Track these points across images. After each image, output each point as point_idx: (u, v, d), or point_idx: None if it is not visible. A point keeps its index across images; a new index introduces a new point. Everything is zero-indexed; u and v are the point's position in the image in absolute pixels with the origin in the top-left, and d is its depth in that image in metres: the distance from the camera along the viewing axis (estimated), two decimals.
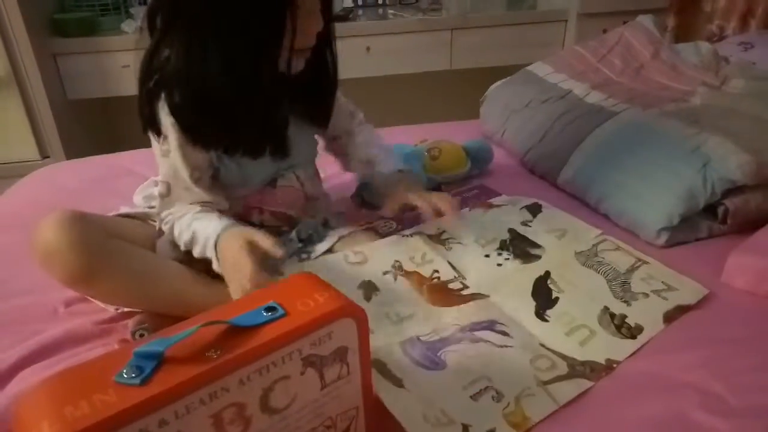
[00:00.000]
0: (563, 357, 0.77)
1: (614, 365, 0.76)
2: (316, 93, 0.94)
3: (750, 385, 0.73)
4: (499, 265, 0.94)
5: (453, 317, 0.83)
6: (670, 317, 0.83)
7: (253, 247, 0.75)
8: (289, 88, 0.87)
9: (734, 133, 1.07)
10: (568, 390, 0.72)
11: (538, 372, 0.74)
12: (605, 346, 0.79)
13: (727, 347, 0.79)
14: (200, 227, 0.82)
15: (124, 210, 0.96)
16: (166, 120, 0.82)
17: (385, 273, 0.90)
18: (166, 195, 0.86)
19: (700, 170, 1.02)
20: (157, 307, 0.84)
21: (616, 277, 0.91)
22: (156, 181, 0.97)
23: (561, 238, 1.00)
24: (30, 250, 0.76)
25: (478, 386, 0.71)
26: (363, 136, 1.07)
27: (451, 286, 0.89)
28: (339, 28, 2.39)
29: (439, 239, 0.99)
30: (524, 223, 1.04)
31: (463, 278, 0.91)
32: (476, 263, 0.94)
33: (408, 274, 0.90)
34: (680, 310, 0.85)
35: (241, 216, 0.95)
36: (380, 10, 2.50)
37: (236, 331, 0.53)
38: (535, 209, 1.09)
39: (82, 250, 0.75)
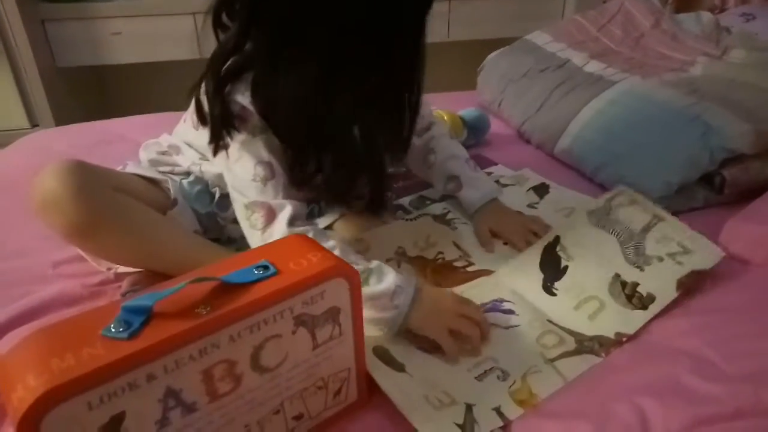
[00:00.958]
0: (571, 333, 0.75)
1: (624, 339, 0.73)
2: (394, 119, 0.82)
3: (743, 351, 0.72)
4: (506, 243, 0.92)
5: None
6: (683, 284, 0.78)
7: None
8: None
9: (734, 102, 1.06)
10: (575, 365, 0.70)
11: (544, 349, 0.72)
12: (615, 319, 0.76)
13: (721, 315, 0.78)
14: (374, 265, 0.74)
15: (131, 169, 0.89)
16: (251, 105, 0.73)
17: (388, 260, 0.87)
18: (271, 177, 0.75)
19: (699, 139, 1.01)
20: (159, 267, 0.81)
21: (630, 238, 0.85)
22: (168, 146, 0.92)
23: (569, 216, 0.96)
24: (29, 199, 0.73)
25: (483, 367, 0.70)
26: (442, 144, 0.98)
27: (455, 264, 0.88)
28: None
29: (444, 219, 0.98)
30: (531, 206, 1.02)
31: (468, 256, 0.90)
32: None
33: (412, 260, 0.88)
34: (695, 276, 0.79)
35: None
36: None
37: (227, 288, 0.52)
38: (542, 190, 1.07)
39: (85, 199, 0.71)
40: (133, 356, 0.45)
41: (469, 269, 0.87)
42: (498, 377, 0.68)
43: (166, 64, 2.08)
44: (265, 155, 0.75)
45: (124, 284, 0.81)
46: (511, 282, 0.84)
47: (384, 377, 0.67)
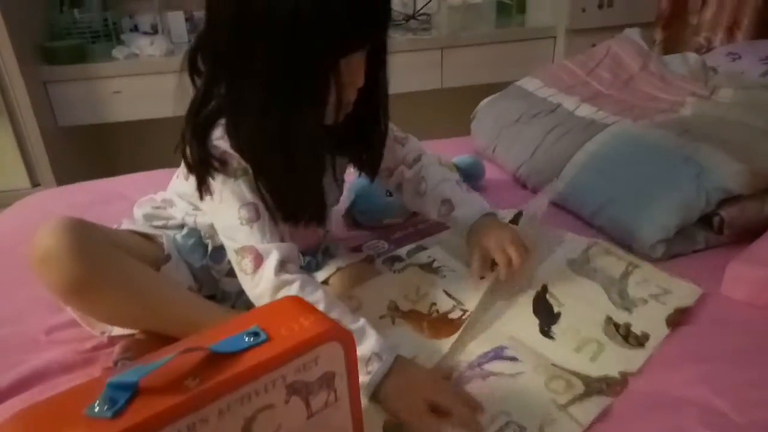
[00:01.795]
0: (577, 375, 0.75)
1: (628, 377, 0.75)
2: (364, 142, 0.88)
3: (752, 400, 0.71)
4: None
5: (460, 355, 0.80)
6: (672, 321, 0.83)
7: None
8: (331, 139, 0.82)
9: (725, 141, 1.06)
10: (588, 409, 0.70)
11: (555, 395, 0.72)
12: (617, 358, 0.78)
13: (727, 361, 0.77)
14: (356, 327, 0.74)
15: (126, 226, 0.90)
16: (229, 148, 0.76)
17: (381, 317, 0.87)
18: (256, 219, 0.77)
19: (693, 180, 1.01)
20: (155, 326, 0.80)
21: (612, 284, 0.90)
22: (162, 200, 0.93)
23: (551, 251, 0.98)
24: (26, 256, 0.72)
25: (498, 423, 0.68)
26: (432, 172, 0.97)
27: (451, 316, 0.87)
28: None
29: (430, 268, 0.97)
30: None
31: (461, 305, 0.89)
32: (471, 289, 0.90)
33: (406, 315, 0.88)
34: (681, 313, 0.84)
35: None
36: None
37: (217, 358, 0.51)
38: (516, 220, 1.05)
39: (83, 255, 0.71)
40: None
41: (464, 318, 0.86)
42: None
43: (167, 120, 2.10)
44: (249, 197, 0.77)
45: (116, 350, 0.80)
46: (508, 329, 0.84)
47: None
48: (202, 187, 0.78)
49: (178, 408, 0.47)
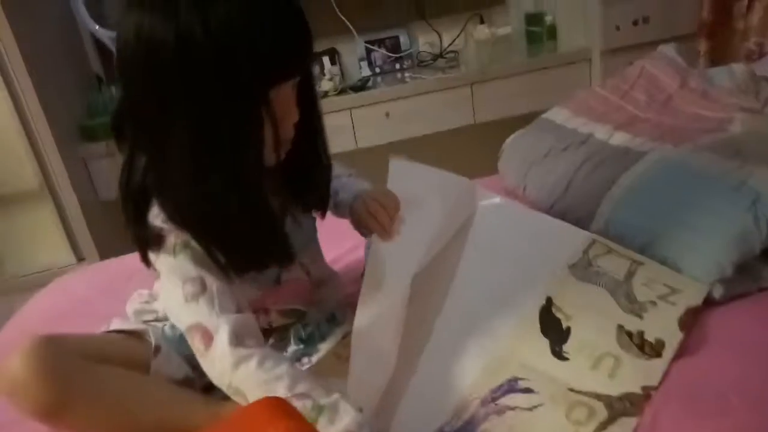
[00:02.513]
0: (597, 397, 0.71)
1: (651, 392, 0.72)
2: (308, 180, 0.85)
3: None
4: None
5: (471, 390, 0.75)
6: (684, 323, 0.80)
7: None
8: (279, 179, 0.80)
9: None
10: None
11: (578, 426, 0.68)
12: (635, 372, 0.74)
13: None
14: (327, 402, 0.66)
15: (115, 325, 0.88)
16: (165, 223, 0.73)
17: None
18: (202, 292, 0.72)
19: (749, 209, 0.88)
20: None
21: (618, 286, 0.86)
22: (148, 294, 0.92)
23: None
24: None
25: None
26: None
27: None
28: (358, 97, 2.38)
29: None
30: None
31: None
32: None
33: None
34: (692, 314, 0.81)
35: None
36: (398, 75, 2.48)
37: None
38: None
39: (50, 380, 0.69)
40: None
41: None
42: None
43: None
44: (193, 271, 0.72)
45: None
46: (518, 356, 0.79)
47: None
48: (149, 266, 0.74)
49: None
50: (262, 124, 0.68)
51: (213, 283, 0.72)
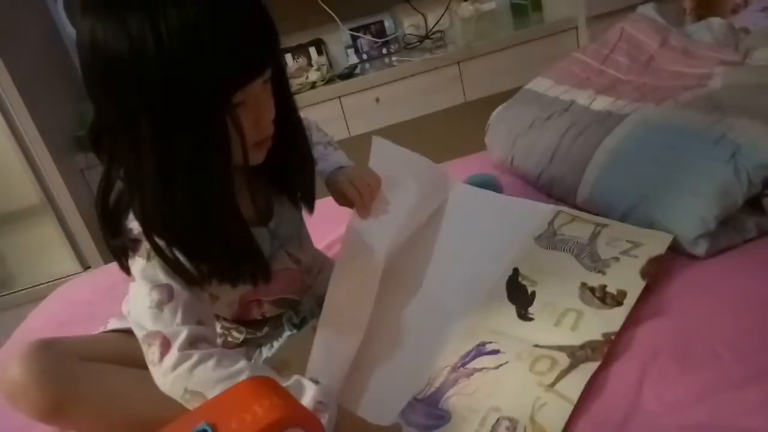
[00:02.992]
0: (560, 349, 0.74)
1: (612, 337, 0.74)
2: (292, 176, 0.84)
3: None
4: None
5: (443, 361, 0.79)
6: (646, 272, 0.81)
7: None
8: (263, 176, 0.80)
9: (764, 110, 0.93)
10: (576, 382, 0.69)
11: (540, 377, 0.71)
12: (597, 322, 0.76)
13: None
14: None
15: (112, 325, 0.90)
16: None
17: None
18: (167, 301, 0.70)
19: (729, 161, 0.88)
20: (144, 429, 0.76)
21: (582, 249, 0.88)
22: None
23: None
24: None
25: (489, 422, 0.67)
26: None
27: None
28: (347, 85, 2.37)
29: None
30: None
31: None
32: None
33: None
34: (654, 263, 0.83)
35: (240, 315, 0.88)
36: (386, 59, 2.47)
37: None
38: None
39: (47, 382, 0.71)
40: None
41: None
42: (507, 428, 0.66)
43: None
44: (163, 278, 0.71)
45: None
46: (486, 324, 0.83)
47: None
48: (126, 272, 0.74)
49: None
50: (226, 131, 0.66)
51: (181, 293, 0.71)
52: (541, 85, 1.37)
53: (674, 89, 1.14)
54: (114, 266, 1.44)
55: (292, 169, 0.83)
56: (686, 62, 1.22)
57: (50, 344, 0.77)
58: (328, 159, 0.94)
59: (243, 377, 0.65)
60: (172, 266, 0.70)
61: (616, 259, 0.84)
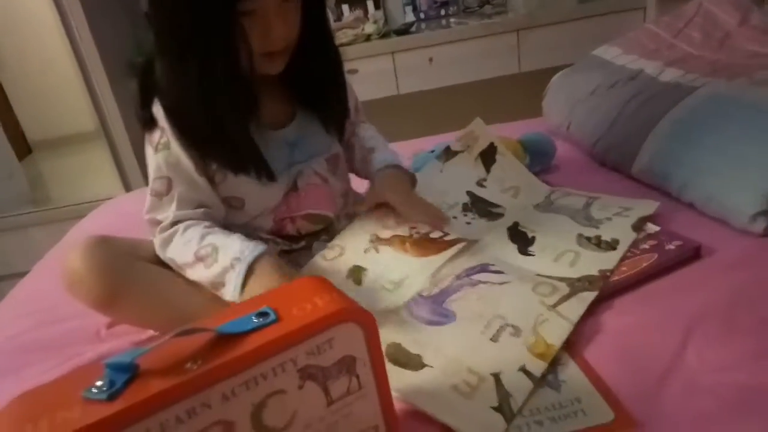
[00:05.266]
0: (560, 279, 0.79)
1: (608, 273, 0.79)
2: (322, 90, 0.90)
3: None
4: (468, 224, 0.95)
5: (446, 269, 0.83)
6: (637, 227, 0.88)
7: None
8: (288, 85, 0.87)
9: None
10: (576, 306, 0.73)
11: (543, 297, 0.75)
12: (593, 261, 0.82)
13: None
14: (222, 242, 0.78)
15: None
16: (163, 119, 0.81)
17: (366, 251, 0.88)
18: (165, 193, 0.81)
19: None
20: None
21: (577, 213, 0.95)
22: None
23: (516, 197, 1.02)
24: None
25: (494, 327, 0.71)
26: (366, 131, 1.04)
27: (432, 236, 0.89)
28: (401, 41, 2.35)
29: None
30: (479, 183, 1.03)
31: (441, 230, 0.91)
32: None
33: (387, 241, 0.89)
34: (643, 221, 0.90)
35: (275, 232, 0.90)
36: (443, 21, 2.44)
37: (221, 340, 0.48)
38: (489, 158, 1.06)
39: (103, 273, 0.75)
40: (109, 419, 0.42)
41: (446, 239, 0.89)
42: (511, 334, 0.70)
43: None
44: (165, 170, 0.81)
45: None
46: (490, 251, 0.87)
47: (408, 388, 0.64)
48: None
49: (175, 391, 0.44)
50: (229, 35, 0.74)
51: (178, 186, 0.81)
52: (608, 52, 1.34)
53: (749, 67, 1.10)
54: None
55: (320, 85, 0.89)
56: (765, 41, 1.17)
57: (107, 240, 0.81)
58: (386, 153, 0.98)
59: (190, 246, 0.78)
60: (174, 161, 0.80)
61: (609, 218, 0.92)
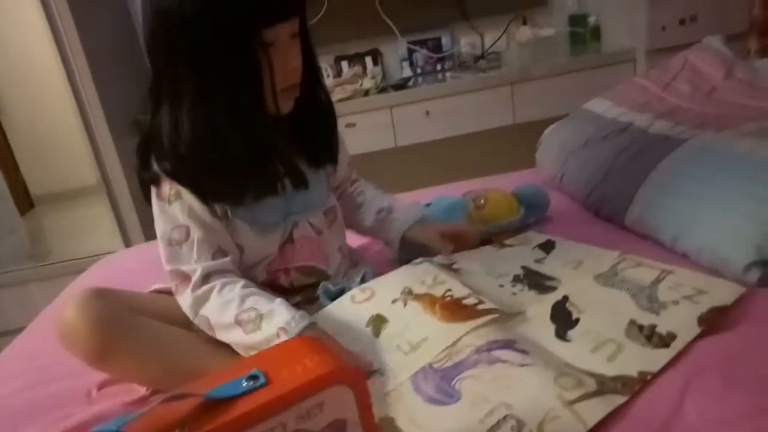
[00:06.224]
0: (591, 374, 0.69)
1: (648, 377, 0.68)
2: (316, 131, 0.93)
3: None
4: (514, 294, 0.89)
5: (469, 338, 0.76)
6: (705, 320, 0.75)
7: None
8: (287, 131, 0.89)
9: None
10: (597, 408, 0.63)
11: (563, 390, 0.65)
12: (636, 358, 0.71)
13: None
14: (266, 308, 0.78)
15: (157, 286, 0.95)
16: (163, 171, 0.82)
17: (394, 301, 0.85)
18: (185, 240, 0.82)
19: None
20: (182, 384, 0.80)
21: (641, 290, 0.83)
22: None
23: (577, 268, 0.93)
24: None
25: (496, 416, 0.64)
26: (371, 190, 1.08)
27: (465, 302, 0.83)
28: (399, 95, 2.40)
29: (450, 268, 0.94)
30: (538, 261, 0.98)
31: (479, 294, 0.85)
32: (490, 288, 0.89)
33: (418, 297, 0.85)
34: (716, 312, 0.76)
35: (269, 283, 0.91)
36: (439, 75, 2.51)
37: (210, 405, 0.48)
38: (548, 247, 1.03)
39: (97, 326, 0.75)
40: None
41: (479, 307, 0.81)
42: (512, 428, 0.62)
43: None
44: (181, 219, 0.82)
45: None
46: (521, 328, 0.80)
47: None
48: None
49: None
50: (256, 65, 0.76)
51: (195, 232, 0.82)
52: (598, 105, 1.38)
53: (737, 119, 1.12)
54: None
55: (315, 121, 0.92)
56: (751, 95, 1.20)
57: (103, 293, 0.81)
58: (408, 210, 1.05)
59: (233, 305, 0.77)
60: (188, 208, 0.81)
61: (676, 302, 0.78)
